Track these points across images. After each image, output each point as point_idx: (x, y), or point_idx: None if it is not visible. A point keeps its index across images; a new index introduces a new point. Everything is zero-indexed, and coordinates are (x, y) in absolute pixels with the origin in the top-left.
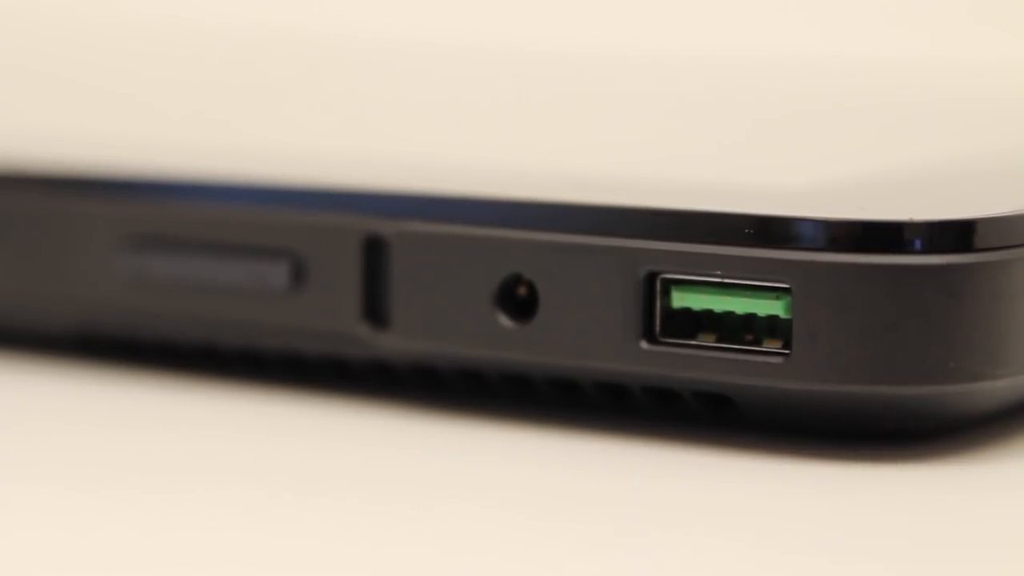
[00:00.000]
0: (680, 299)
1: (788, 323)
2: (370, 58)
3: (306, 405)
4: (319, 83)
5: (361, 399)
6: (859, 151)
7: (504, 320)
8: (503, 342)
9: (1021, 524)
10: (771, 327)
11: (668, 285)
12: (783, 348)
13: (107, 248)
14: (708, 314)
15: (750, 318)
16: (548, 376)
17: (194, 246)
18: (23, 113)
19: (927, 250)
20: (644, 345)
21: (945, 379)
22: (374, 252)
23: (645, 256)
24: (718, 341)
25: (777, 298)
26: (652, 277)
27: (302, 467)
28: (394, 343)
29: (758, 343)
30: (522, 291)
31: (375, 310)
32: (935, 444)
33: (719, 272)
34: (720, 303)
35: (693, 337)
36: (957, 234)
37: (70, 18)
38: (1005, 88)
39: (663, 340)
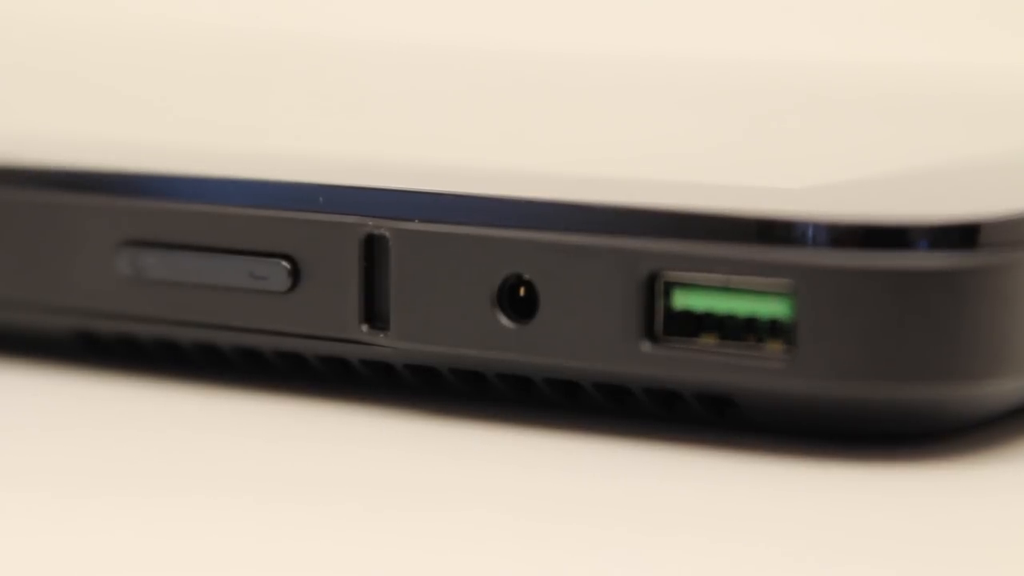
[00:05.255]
0: (682, 300)
1: (790, 324)
2: (369, 58)
3: (305, 406)
4: (318, 83)
5: (360, 400)
6: (862, 152)
7: (504, 320)
8: (503, 343)
9: None
10: (773, 328)
11: (670, 286)
12: (785, 349)
13: (105, 248)
14: (710, 315)
15: (752, 319)
16: (548, 377)
17: (193, 246)
18: (22, 113)
19: (931, 251)
20: (645, 346)
21: (949, 380)
22: (373, 252)
23: (647, 256)
24: (720, 342)
25: (780, 299)
26: (654, 278)
27: (301, 468)
28: (393, 343)
29: (760, 344)
30: (522, 291)
31: (374, 310)
32: (939, 445)
33: (721, 273)
34: (722, 304)
35: (695, 338)
36: (961, 235)
37: (69, 17)
38: (1009, 89)
39: (665, 341)
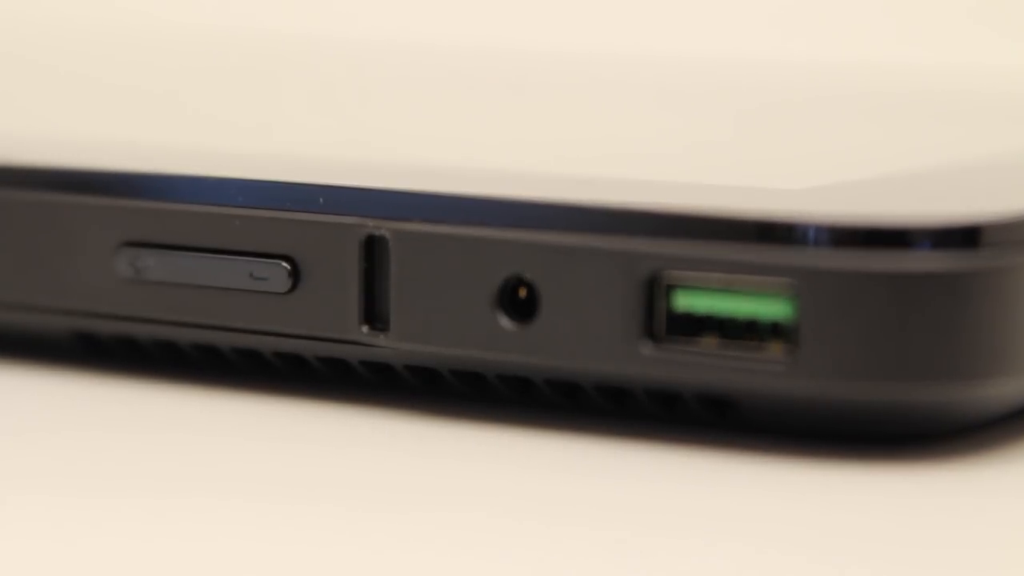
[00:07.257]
0: (683, 301)
1: (792, 326)
2: (369, 58)
3: (305, 407)
4: (318, 83)
5: (360, 401)
6: (863, 152)
7: (504, 322)
8: (503, 344)
9: None
10: (774, 330)
11: (671, 287)
12: (786, 351)
13: (105, 249)
14: (711, 316)
15: (753, 320)
16: (549, 378)
17: (192, 247)
18: (22, 113)
19: (932, 252)
20: (646, 348)
21: (951, 382)
22: (373, 253)
23: (647, 257)
24: (721, 344)
25: (781, 300)
26: (654, 279)
27: (301, 469)
28: (393, 344)
29: (761, 346)
30: (523, 292)
31: (374, 311)
32: (941, 447)
33: (722, 274)
34: (723, 305)
35: (696, 339)
36: (963, 236)
37: (69, 17)
38: (1010, 89)
39: (665, 342)
